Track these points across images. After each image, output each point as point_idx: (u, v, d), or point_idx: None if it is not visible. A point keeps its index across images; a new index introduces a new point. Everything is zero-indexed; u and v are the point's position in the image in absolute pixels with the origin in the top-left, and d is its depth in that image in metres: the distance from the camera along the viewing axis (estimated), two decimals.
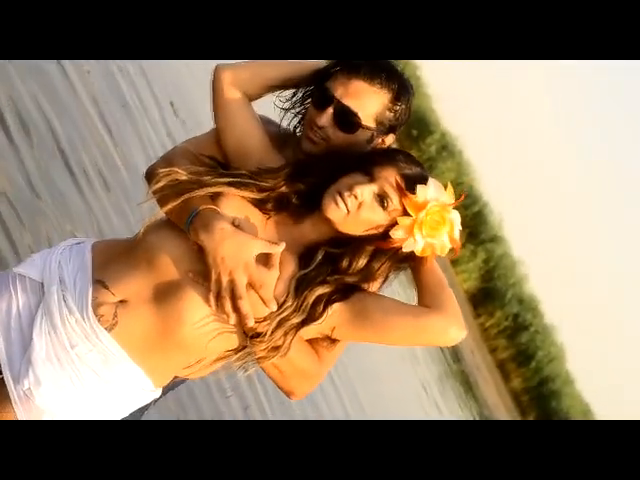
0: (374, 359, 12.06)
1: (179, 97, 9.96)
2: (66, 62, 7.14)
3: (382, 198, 2.65)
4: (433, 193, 2.67)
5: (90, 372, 2.64)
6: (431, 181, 2.68)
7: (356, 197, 2.63)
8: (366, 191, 2.64)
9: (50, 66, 6.86)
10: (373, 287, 2.73)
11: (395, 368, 14.42)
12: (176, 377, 2.78)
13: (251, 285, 2.62)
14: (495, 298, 27.51)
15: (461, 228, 2.72)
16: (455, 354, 20.87)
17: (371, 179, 2.65)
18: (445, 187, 2.70)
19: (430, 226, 2.66)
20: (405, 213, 2.66)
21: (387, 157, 2.71)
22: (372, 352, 11.28)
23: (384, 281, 2.76)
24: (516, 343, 27.54)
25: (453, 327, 2.66)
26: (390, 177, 2.65)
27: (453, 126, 25.83)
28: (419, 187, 2.65)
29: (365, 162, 2.69)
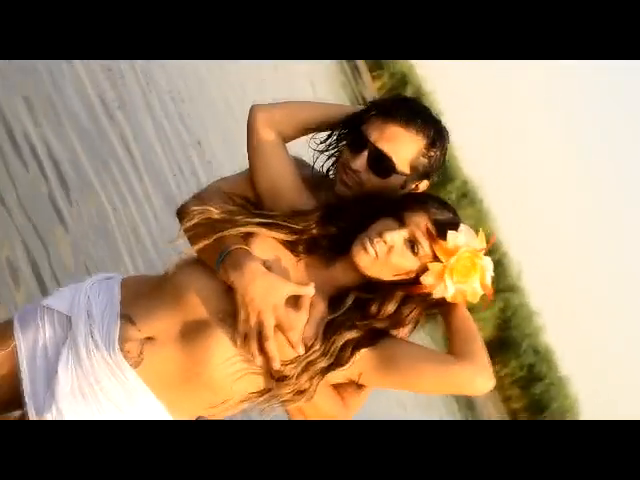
0: (386, 405, 12.00)
1: (207, 137, 10.06)
2: (96, 104, 7.21)
3: (412, 244, 2.63)
4: (464, 239, 2.64)
5: (113, 408, 2.62)
6: (462, 227, 2.66)
7: (385, 242, 2.61)
8: (396, 236, 2.62)
9: (78, 103, 6.93)
10: (402, 333, 2.71)
11: (408, 414, 14.35)
12: (200, 418, 2.76)
13: (279, 327, 2.60)
14: (510, 348, 27.36)
15: (493, 274, 2.70)
16: (468, 402, 20.75)
17: (402, 224, 2.63)
18: (477, 233, 2.68)
19: (461, 272, 2.63)
20: (436, 259, 2.64)
21: (418, 202, 2.69)
22: (382, 398, 11.23)
23: (414, 327, 2.73)
24: (530, 394, 27.36)
25: (481, 377, 2.63)
26: (421, 223, 2.63)
27: (474, 173, 25.66)
28: (450, 233, 2.63)
29: (396, 207, 2.68)
